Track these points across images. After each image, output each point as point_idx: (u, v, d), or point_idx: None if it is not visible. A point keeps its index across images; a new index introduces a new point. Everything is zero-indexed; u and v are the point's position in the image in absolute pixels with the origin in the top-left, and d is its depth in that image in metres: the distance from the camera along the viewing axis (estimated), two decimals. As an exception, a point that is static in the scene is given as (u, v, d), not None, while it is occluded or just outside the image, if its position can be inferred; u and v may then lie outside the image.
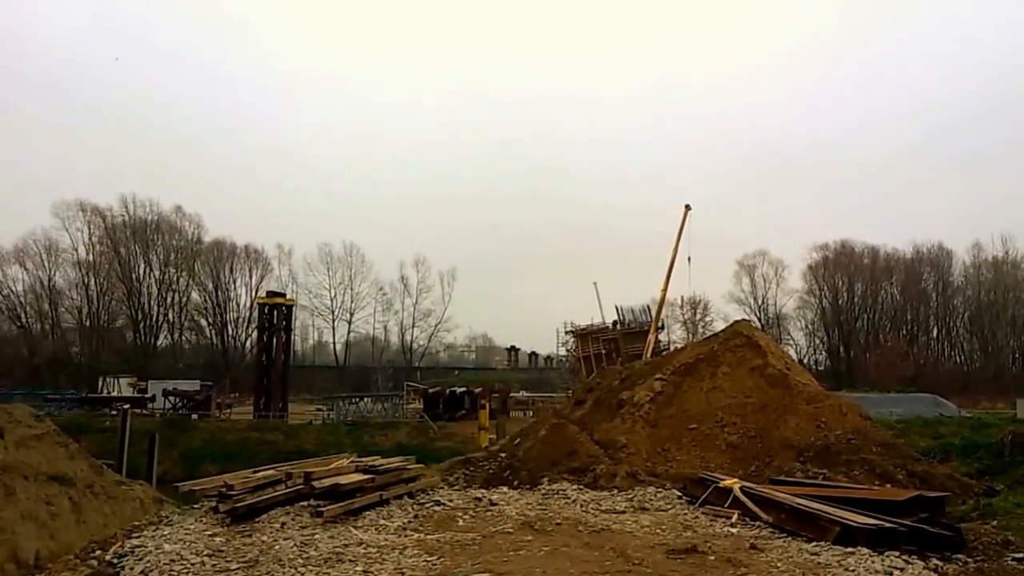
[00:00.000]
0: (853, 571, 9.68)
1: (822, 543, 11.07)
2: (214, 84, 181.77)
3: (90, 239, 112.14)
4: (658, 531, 12.58)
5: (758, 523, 12.74)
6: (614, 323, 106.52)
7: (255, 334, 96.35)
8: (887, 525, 11.14)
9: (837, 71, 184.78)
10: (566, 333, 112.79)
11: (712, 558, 10.49)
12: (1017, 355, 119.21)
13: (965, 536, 11.54)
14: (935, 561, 10.32)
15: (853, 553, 10.42)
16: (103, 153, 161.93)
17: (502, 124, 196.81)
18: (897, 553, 10.38)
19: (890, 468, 17.45)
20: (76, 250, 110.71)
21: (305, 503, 13.65)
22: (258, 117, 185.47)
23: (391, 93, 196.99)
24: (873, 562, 10.01)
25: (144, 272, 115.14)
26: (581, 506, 14.79)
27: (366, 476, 14.45)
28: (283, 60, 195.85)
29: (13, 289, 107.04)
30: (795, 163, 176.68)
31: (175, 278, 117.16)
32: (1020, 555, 10.50)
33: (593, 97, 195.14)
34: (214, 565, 10.22)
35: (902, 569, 9.76)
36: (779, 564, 10.15)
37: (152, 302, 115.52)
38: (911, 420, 40.65)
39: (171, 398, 76.72)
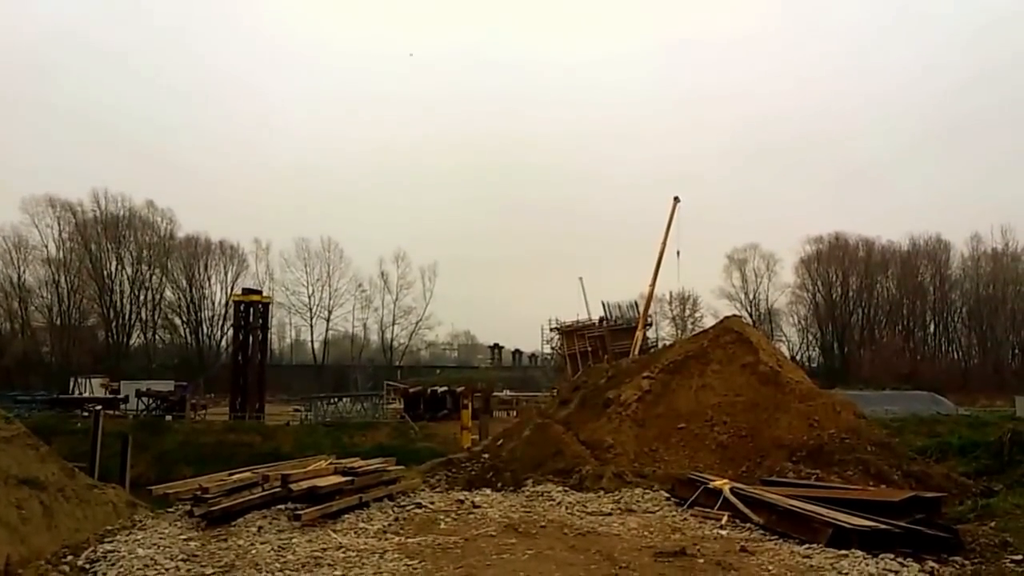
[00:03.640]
0: (846, 574, 9.73)
1: (815, 545, 11.13)
2: (186, 76, 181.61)
3: (60, 235, 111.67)
4: (646, 534, 12.61)
5: (749, 525, 12.79)
6: (600, 320, 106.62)
7: (231, 333, 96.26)
8: (882, 527, 11.20)
9: (830, 55, 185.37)
10: (551, 330, 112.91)
11: (701, 561, 10.53)
12: (1017, 350, 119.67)
13: (962, 538, 11.60)
14: (931, 563, 10.38)
15: (847, 556, 10.48)
16: (73, 147, 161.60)
17: (486, 118, 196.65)
18: (892, 555, 10.44)
19: (885, 468, 17.55)
20: (46, 247, 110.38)
21: (282, 506, 13.66)
22: (232, 109, 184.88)
23: (371, 85, 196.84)
24: (867, 565, 10.06)
25: (116, 269, 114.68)
26: (566, 508, 14.82)
27: (345, 478, 14.47)
28: (257, 52, 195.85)
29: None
30: (787, 153, 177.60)
31: (148, 275, 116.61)
32: (1018, 557, 10.56)
33: (579, 94, 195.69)
34: (189, 570, 10.22)
35: (897, 572, 9.82)
36: (770, 567, 10.19)
37: (124, 300, 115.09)
38: (907, 418, 40.93)
39: (144, 399, 76.43)
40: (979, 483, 18.96)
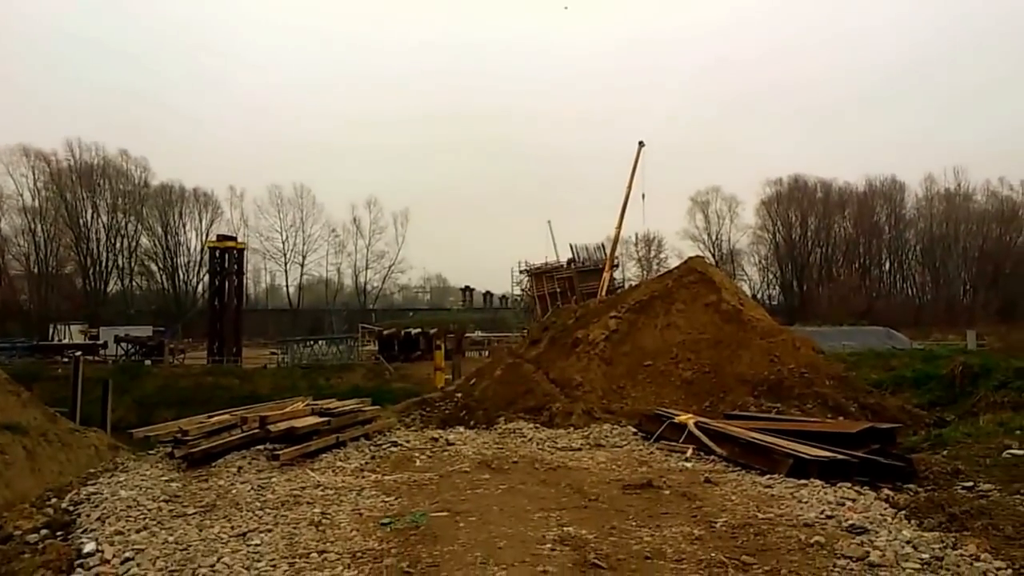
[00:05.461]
0: (805, 502, 9.82)
1: (775, 476, 11.23)
2: (156, 22, 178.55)
3: (35, 184, 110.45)
4: (614, 467, 12.70)
5: (712, 457, 12.90)
6: (569, 261, 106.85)
7: (207, 278, 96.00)
8: (839, 457, 11.32)
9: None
10: (520, 272, 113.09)
11: (667, 492, 10.61)
12: (968, 287, 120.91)
13: (916, 466, 11.73)
14: (886, 491, 10.49)
15: (806, 485, 10.58)
16: (45, 97, 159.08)
17: (456, 64, 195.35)
18: (849, 484, 10.56)
19: (842, 401, 17.76)
20: (21, 196, 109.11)
21: (261, 447, 13.65)
22: (204, 56, 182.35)
23: (346, 30, 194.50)
24: (825, 493, 10.17)
25: (92, 217, 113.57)
26: (537, 444, 14.89)
27: (322, 419, 14.47)
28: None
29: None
30: (748, 96, 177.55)
31: (123, 223, 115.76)
32: (969, 484, 10.69)
33: (548, 37, 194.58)
34: (171, 510, 10.20)
35: (854, 500, 9.92)
36: (733, 497, 10.29)
37: (101, 248, 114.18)
38: (863, 353, 41.07)
39: (123, 344, 76.29)
40: (932, 414, 19.25)
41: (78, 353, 55.27)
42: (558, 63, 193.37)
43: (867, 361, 34.35)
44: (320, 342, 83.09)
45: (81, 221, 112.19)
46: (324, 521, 9.44)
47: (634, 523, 9.12)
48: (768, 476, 11.32)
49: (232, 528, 9.28)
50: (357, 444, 14.47)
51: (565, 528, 8.89)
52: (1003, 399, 19.33)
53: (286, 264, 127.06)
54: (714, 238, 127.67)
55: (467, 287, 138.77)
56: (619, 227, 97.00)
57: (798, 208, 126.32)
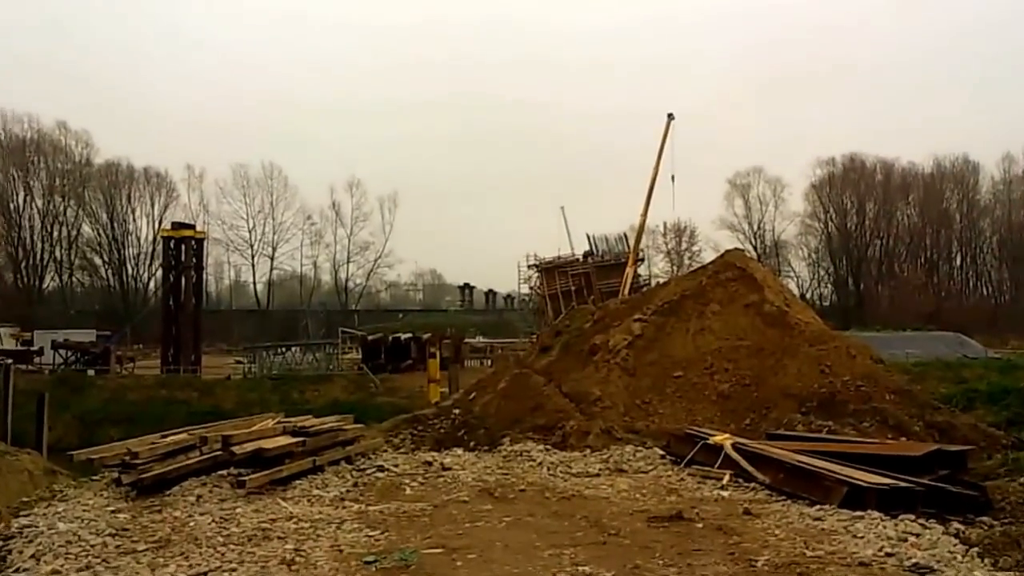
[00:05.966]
0: (862, 537, 9.84)
1: (826, 506, 11.26)
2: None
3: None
4: (638, 496, 12.74)
5: (753, 485, 12.94)
6: (585, 255, 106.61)
7: (160, 273, 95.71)
8: (901, 485, 11.35)
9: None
10: (529, 267, 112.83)
11: (700, 526, 10.65)
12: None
13: (990, 496, 11.76)
14: (956, 525, 10.51)
15: (862, 517, 10.60)
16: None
17: (455, 30, 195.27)
18: (912, 516, 10.56)
19: (905, 419, 17.74)
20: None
21: (224, 472, 13.70)
22: (158, 15, 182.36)
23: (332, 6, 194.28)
24: (885, 527, 10.19)
25: (24, 201, 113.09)
26: (548, 469, 14.94)
27: (295, 439, 14.50)
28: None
29: None
30: (795, 63, 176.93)
31: (62, 208, 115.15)
32: (1052, 516, 10.71)
33: (568, 14, 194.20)
34: (118, 546, 10.22)
35: (918, 534, 9.94)
36: (777, 531, 10.31)
37: (35, 237, 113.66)
38: (930, 363, 41.19)
39: (62, 351, 76.21)
40: (1010, 434, 19.22)
41: (8, 361, 55.32)
42: (568, 42, 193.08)
43: (934, 372, 34.49)
44: (293, 349, 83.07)
45: (12, 205, 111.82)
46: (298, 559, 9.47)
47: (661, 562, 9.15)
48: (818, 507, 11.34)
49: (190, 567, 9.31)
50: (337, 469, 14.53)
51: (580, 567, 8.92)
52: (1092, 417, 19.33)
53: (253, 257, 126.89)
54: (756, 227, 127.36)
55: (466, 285, 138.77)
56: (644, 214, 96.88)
57: (854, 193, 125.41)
